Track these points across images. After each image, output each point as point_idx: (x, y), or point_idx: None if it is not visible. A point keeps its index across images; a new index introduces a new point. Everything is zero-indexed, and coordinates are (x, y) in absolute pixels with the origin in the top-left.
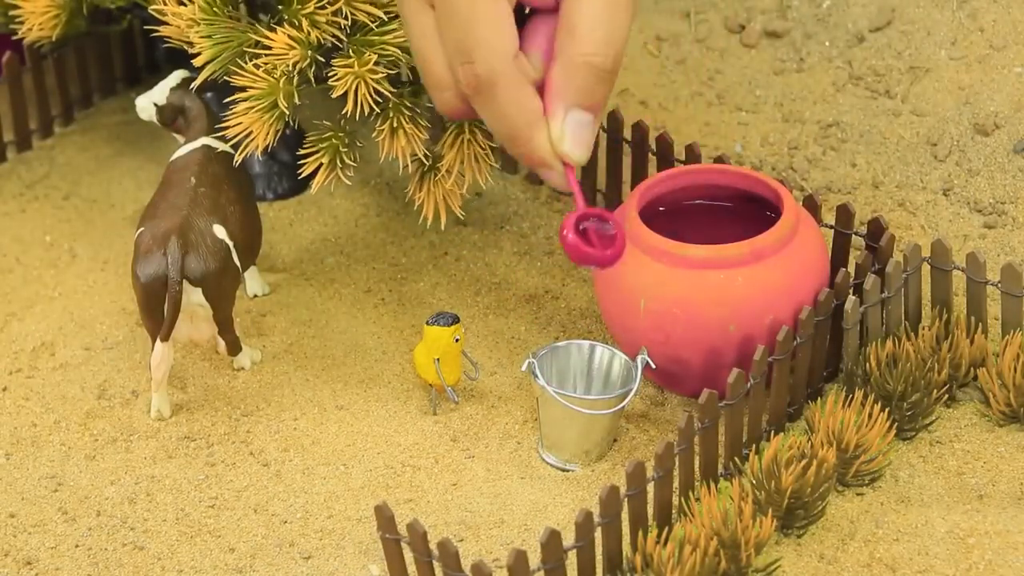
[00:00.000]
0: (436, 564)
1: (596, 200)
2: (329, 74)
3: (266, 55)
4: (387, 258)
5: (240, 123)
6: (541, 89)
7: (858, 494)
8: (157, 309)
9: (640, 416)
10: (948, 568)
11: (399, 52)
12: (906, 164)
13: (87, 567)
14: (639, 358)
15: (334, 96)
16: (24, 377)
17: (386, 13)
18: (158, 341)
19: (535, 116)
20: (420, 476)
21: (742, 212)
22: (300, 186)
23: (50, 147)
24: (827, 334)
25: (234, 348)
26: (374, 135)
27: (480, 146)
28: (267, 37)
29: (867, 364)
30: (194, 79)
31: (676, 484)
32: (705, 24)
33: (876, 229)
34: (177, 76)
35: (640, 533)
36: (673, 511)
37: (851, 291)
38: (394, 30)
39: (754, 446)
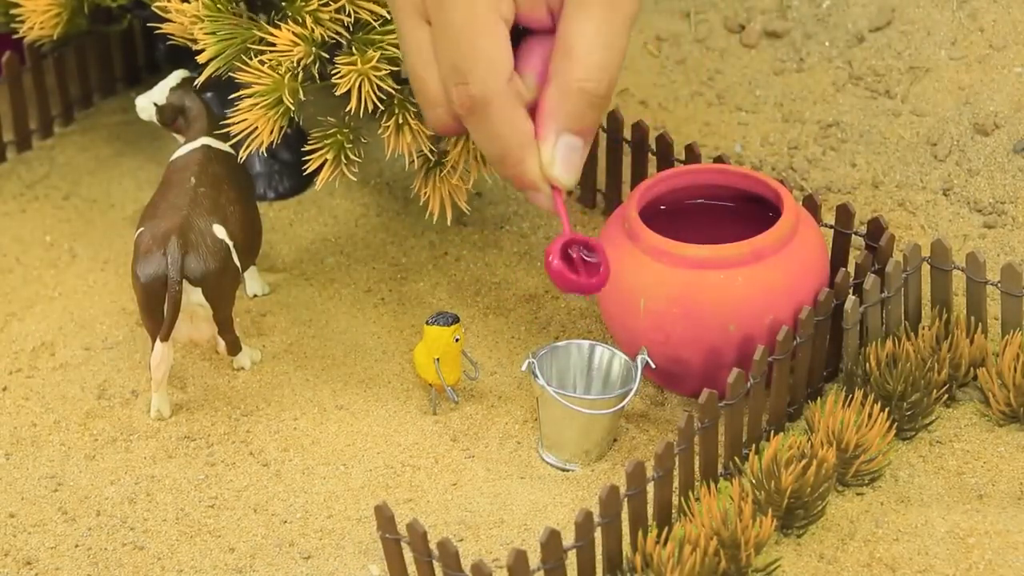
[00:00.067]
0: (436, 564)
1: (596, 200)
2: (332, 71)
3: (270, 52)
4: (387, 258)
5: (245, 119)
6: (532, 110)
7: (858, 494)
8: (157, 309)
9: (640, 416)
10: (948, 568)
11: None
12: (906, 164)
13: (87, 567)
14: (639, 358)
15: (338, 93)
16: (24, 377)
17: (388, 12)
18: (158, 341)
19: (527, 139)
20: (420, 476)
21: (742, 212)
22: (301, 185)
23: (50, 147)
24: (827, 334)
25: (234, 348)
26: (379, 131)
27: None
28: (271, 34)
29: (867, 364)
30: (195, 79)
31: (676, 484)
32: (705, 24)
33: (876, 229)
34: (177, 76)
35: (640, 533)
36: (673, 511)
37: (851, 291)
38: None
39: (754, 446)
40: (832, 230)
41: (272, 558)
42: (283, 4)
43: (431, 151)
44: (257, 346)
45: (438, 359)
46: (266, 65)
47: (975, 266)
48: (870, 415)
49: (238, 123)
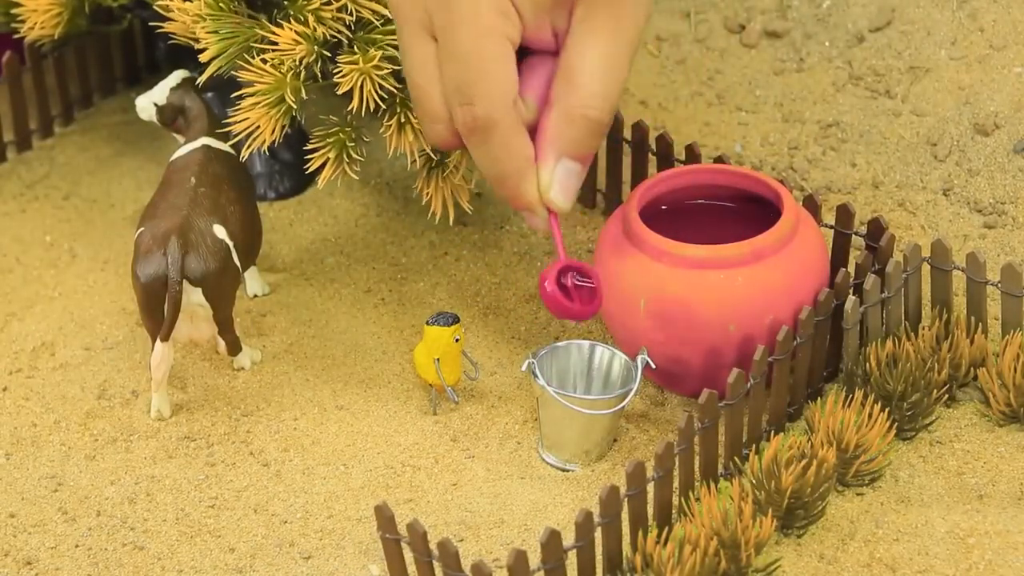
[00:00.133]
0: (436, 564)
1: (596, 200)
2: (334, 71)
3: (272, 51)
4: (387, 258)
5: (247, 118)
6: (531, 131)
7: (858, 494)
8: (157, 309)
9: (640, 416)
10: (948, 568)
11: None
12: (906, 164)
13: (87, 567)
14: (639, 358)
15: (339, 92)
16: (24, 377)
17: (390, 12)
18: (158, 341)
19: (527, 162)
20: (420, 476)
21: (742, 212)
22: (302, 185)
23: (50, 147)
24: (827, 334)
25: (234, 348)
26: (382, 131)
27: None
28: (273, 33)
29: (867, 364)
30: (195, 79)
31: (676, 484)
32: (705, 24)
33: (876, 229)
34: (177, 76)
35: (640, 533)
36: (673, 511)
37: (851, 291)
38: None
39: (754, 446)
40: (832, 230)
41: (272, 558)
42: (285, 3)
43: (433, 151)
44: (257, 346)
45: (438, 359)
46: (268, 64)
47: (975, 266)
48: (870, 415)
49: (240, 122)
